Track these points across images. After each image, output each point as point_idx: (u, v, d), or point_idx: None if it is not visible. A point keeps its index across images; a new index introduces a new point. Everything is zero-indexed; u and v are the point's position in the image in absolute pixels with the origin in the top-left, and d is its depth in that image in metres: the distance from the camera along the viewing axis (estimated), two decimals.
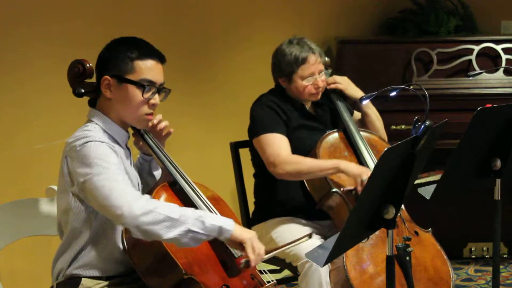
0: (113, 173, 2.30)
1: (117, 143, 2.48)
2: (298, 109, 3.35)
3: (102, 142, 2.36)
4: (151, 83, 2.46)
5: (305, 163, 3.17)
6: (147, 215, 2.24)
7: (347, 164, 3.13)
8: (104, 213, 2.32)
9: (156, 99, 2.48)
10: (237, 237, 2.36)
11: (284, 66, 3.30)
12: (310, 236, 2.54)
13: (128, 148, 2.56)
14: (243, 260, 2.38)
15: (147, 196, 2.34)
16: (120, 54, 2.44)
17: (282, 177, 3.21)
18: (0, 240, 2.64)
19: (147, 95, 2.45)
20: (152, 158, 2.68)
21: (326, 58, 3.51)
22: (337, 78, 3.45)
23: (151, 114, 2.50)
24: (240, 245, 2.39)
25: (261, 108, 3.31)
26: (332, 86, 3.42)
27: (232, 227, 2.35)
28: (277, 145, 3.21)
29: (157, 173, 2.71)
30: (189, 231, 2.28)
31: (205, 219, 2.31)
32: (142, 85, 2.44)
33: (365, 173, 3.07)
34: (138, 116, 2.48)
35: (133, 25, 3.81)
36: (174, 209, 2.29)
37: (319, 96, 3.34)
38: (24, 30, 3.49)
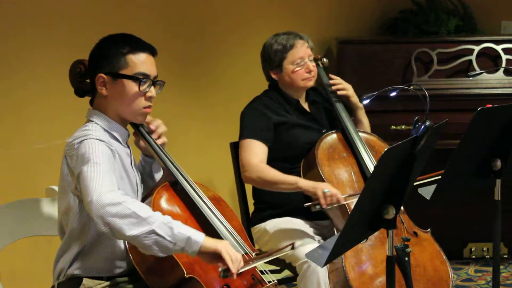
0: (102, 168, 2.27)
1: (118, 141, 2.48)
2: (293, 106, 3.36)
3: (100, 140, 2.37)
4: (146, 76, 2.46)
5: (270, 173, 3.20)
6: (114, 206, 2.18)
7: (305, 182, 3.15)
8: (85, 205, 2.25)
9: (152, 91, 2.49)
10: (210, 247, 2.25)
11: (273, 56, 3.32)
12: (292, 247, 2.51)
13: (128, 146, 2.57)
14: (220, 269, 2.27)
15: (122, 191, 2.29)
16: (112, 50, 2.45)
17: (248, 182, 3.28)
18: (0, 240, 2.64)
19: (143, 87, 2.45)
20: (153, 160, 2.67)
21: (325, 59, 3.51)
22: (345, 83, 3.45)
23: (149, 107, 2.50)
24: (213, 258, 2.28)
25: (250, 112, 3.33)
26: (342, 92, 3.42)
27: (202, 239, 2.24)
28: (253, 151, 3.25)
29: (158, 176, 2.71)
30: (154, 232, 2.19)
31: (174, 226, 2.22)
32: (138, 78, 2.45)
33: (324, 187, 3.07)
34: (136, 110, 2.48)
35: (132, 30, 3.79)
36: (144, 209, 2.23)
37: (311, 82, 3.35)
38: (25, 34, 3.50)
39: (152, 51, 2.51)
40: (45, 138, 3.53)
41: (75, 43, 3.58)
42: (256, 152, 3.25)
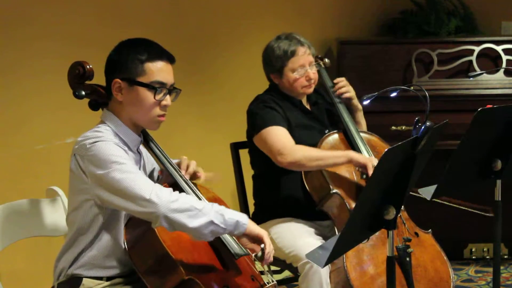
0: (130, 166, 2.32)
1: (128, 147, 2.47)
2: (296, 106, 3.36)
3: (113, 142, 2.37)
4: (162, 85, 2.46)
5: (314, 150, 3.18)
6: (173, 202, 2.27)
7: (356, 154, 3.16)
8: (126, 204, 2.29)
9: (168, 100, 2.49)
10: (254, 230, 2.42)
11: (274, 61, 3.32)
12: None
13: (139, 153, 2.56)
14: (259, 252, 2.44)
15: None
16: (130, 56, 2.44)
17: (290, 166, 3.17)
18: (1, 241, 2.64)
19: (158, 96, 2.45)
20: None
21: (326, 60, 3.52)
22: (348, 85, 3.46)
23: (163, 115, 2.50)
24: (254, 240, 2.44)
25: (259, 107, 3.31)
26: (346, 95, 3.42)
27: (247, 221, 2.40)
28: (282, 135, 3.21)
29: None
30: (211, 223, 2.31)
31: (224, 213, 2.35)
32: (154, 87, 2.44)
33: (374, 162, 3.10)
34: (150, 118, 2.48)
35: (133, 25, 3.81)
36: (196, 200, 2.34)
37: (311, 89, 3.36)
38: (23, 29, 3.48)
39: (170, 59, 2.50)
40: (45, 137, 3.52)
41: (74, 38, 3.57)
42: (285, 136, 3.21)
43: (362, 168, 3.14)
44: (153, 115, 2.47)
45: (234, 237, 2.51)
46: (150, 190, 2.27)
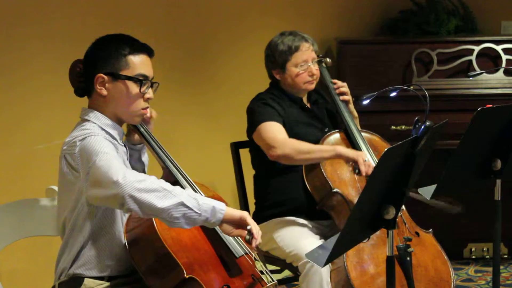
0: (113, 155, 2.30)
1: (115, 140, 2.48)
2: (296, 103, 3.37)
3: (101, 135, 2.37)
4: (146, 77, 2.48)
5: (304, 144, 3.19)
6: (140, 182, 2.22)
7: (344, 148, 3.16)
8: (101, 192, 2.25)
9: (151, 93, 2.51)
10: (235, 214, 2.33)
11: (277, 57, 3.32)
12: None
13: (124, 145, 2.57)
14: (247, 235, 2.34)
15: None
16: (112, 51, 2.45)
17: (279, 159, 3.19)
18: (1, 241, 2.64)
19: (143, 89, 2.46)
20: (142, 146, 2.68)
21: (328, 59, 3.52)
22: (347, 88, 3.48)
23: (147, 108, 2.52)
24: (238, 225, 2.35)
25: (257, 105, 3.33)
26: (345, 97, 3.44)
27: (225, 207, 2.32)
28: (276, 129, 3.23)
29: (145, 159, 2.72)
30: (183, 204, 2.23)
31: (198, 198, 2.29)
32: (139, 79, 2.45)
33: (364, 156, 3.11)
34: (134, 111, 2.49)
35: (132, 25, 3.81)
36: (167, 183, 2.28)
37: (313, 86, 3.37)
38: (22, 29, 3.49)
39: (150, 52, 2.51)
40: (45, 137, 3.52)
41: (73, 38, 3.58)
42: (278, 130, 3.23)
43: (353, 163, 3.13)
44: (137, 108, 2.48)
45: (235, 237, 2.51)
46: (119, 172, 2.22)
